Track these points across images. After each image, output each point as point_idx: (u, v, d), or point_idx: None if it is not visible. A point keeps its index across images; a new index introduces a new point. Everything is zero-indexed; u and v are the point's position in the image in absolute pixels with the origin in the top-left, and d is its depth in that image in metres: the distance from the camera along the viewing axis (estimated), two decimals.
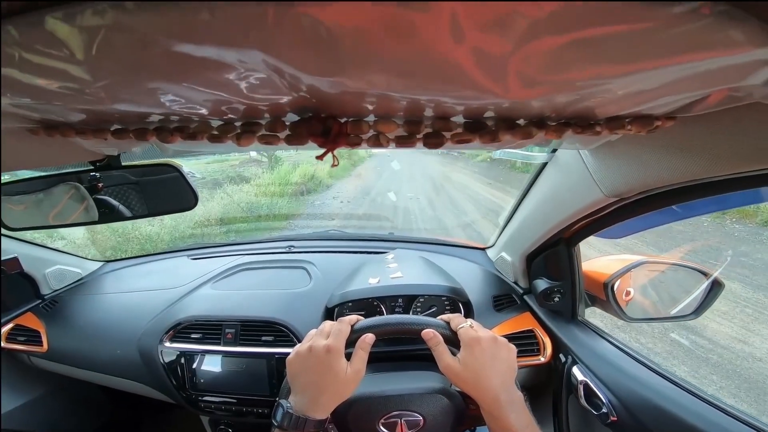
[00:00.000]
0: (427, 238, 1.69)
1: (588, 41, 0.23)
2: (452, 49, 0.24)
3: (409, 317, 0.74)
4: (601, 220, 0.87)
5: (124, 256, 1.78)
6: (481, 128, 0.37)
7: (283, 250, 1.60)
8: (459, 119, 0.38)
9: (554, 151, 0.86)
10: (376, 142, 0.35)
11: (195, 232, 5.43)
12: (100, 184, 0.85)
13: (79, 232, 4.98)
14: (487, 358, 0.65)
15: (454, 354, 0.68)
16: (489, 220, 6.34)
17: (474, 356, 0.65)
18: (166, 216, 5.50)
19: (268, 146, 0.35)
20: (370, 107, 0.34)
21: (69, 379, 1.43)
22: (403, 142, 0.35)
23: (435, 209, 7.40)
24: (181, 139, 0.36)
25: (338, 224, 6.20)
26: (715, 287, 1.04)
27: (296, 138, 0.34)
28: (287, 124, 0.35)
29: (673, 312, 1.12)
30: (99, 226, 4.99)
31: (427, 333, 0.70)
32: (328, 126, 0.33)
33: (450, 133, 0.36)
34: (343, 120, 0.34)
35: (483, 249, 1.52)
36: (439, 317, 0.74)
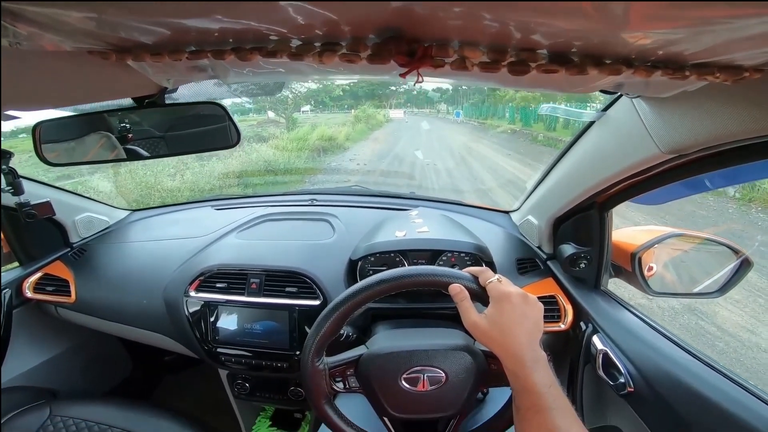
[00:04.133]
0: (450, 198, 1.68)
1: None
2: None
3: (439, 269, 0.72)
4: (644, 183, 0.84)
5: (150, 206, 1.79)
6: (568, 61, 0.36)
7: (306, 203, 1.61)
8: (543, 53, 0.37)
9: (605, 109, 0.83)
10: (461, 65, 0.35)
11: (214, 186, 5.54)
12: (130, 135, 0.87)
13: (105, 185, 5.17)
14: (516, 315, 0.63)
15: (479, 310, 0.66)
16: (506, 190, 6.32)
17: (503, 313, 0.63)
18: (187, 171, 5.68)
19: (349, 65, 0.35)
20: (455, 33, 0.33)
21: (91, 334, 1.43)
22: (488, 67, 0.35)
23: (451, 176, 7.38)
24: (260, 56, 0.36)
25: (359, 180, 6.26)
26: (744, 266, 1.01)
27: (379, 57, 0.34)
28: (369, 45, 0.34)
29: (698, 288, 1.11)
30: (124, 180, 5.17)
31: (454, 287, 0.68)
32: (413, 48, 0.33)
33: (535, 64, 0.36)
34: (426, 44, 0.34)
35: (507, 213, 1.50)
36: (466, 270, 0.72)
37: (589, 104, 0.90)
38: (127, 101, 0.79)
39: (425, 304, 1.11)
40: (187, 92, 0.83)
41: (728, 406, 0.69)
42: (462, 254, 1.13)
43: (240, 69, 0.53)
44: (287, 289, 1.14)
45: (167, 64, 0.49)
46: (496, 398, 0.88)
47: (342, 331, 1.00)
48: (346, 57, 0.34)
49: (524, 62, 0.35)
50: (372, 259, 1.15)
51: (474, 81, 0.56)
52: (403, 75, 0.35)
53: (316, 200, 1.62)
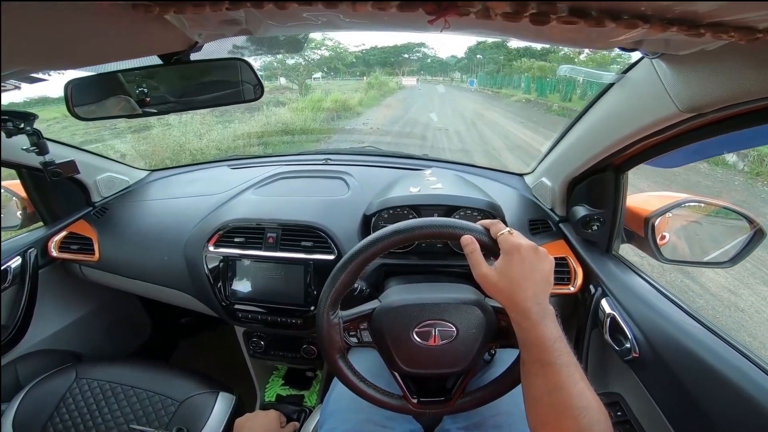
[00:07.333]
0: (464, 160, 1.67)
1: None
2: None
3: (451, 220, 0.70)
4: (661, 144, 0.84)
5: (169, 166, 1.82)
6: (587, 15, 0.38)
7: (320, 162, 1.62)
8: (563, 6, 0.39)
9: (625, 72, 0.83)
10: (485, 14, 0.37)
11: (237, 144, 6.26)
12: (148, 99, 0.88)
13: (124, 147, 5.62)
14: (526, 267, 0.62)
15: (489, 262, 0.66)
16: (516, 156, 6.31)
17: (512, 264, 0.62)
18: (213, 130, 6.13)
19: (379, 12, 0.37)
20: None
21: (112, 297, 1.46)
22: (510, 17, 0.37)
23: (463, 142, 7.38)
24: (296, 4, 0.38)
25: (373, 141, 6.47)
26: (758, 236, 0.99)
27: (408, 5, 0.36)
28: None
29: (709, 257, 1.10)
30: (156, 142, 5.78)
31: (465, 239, 0.66)
32: None
33: (555, 16, 0.38)
34: None
35: (520, 175, 1.50)
36: (478, 222, 0.70)
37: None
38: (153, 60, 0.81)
39: (438, 261, 1.13)
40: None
41: (732, 377, 0.68)
42: (475, 211, 1.13)
43: (273, 21, 0.55)
44: (303, 243, 1.15)
45: (204, 17, 0.51)
46: (505, 360, 0.87)
47: (356, 285, 1.00)
48: (377, 5, 0.36)
49: (545, 13, 0.37)
50: (386, 215, 1.15)
51: (496, 33, 0.58)
52: (431, 21, 0.37)
53: (331, 160, 1.64)
